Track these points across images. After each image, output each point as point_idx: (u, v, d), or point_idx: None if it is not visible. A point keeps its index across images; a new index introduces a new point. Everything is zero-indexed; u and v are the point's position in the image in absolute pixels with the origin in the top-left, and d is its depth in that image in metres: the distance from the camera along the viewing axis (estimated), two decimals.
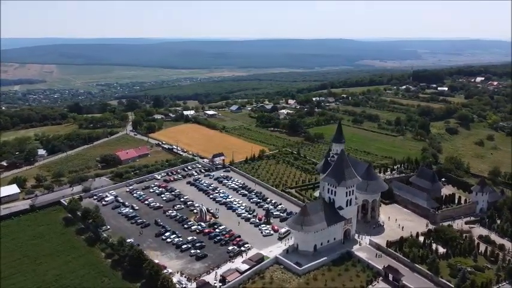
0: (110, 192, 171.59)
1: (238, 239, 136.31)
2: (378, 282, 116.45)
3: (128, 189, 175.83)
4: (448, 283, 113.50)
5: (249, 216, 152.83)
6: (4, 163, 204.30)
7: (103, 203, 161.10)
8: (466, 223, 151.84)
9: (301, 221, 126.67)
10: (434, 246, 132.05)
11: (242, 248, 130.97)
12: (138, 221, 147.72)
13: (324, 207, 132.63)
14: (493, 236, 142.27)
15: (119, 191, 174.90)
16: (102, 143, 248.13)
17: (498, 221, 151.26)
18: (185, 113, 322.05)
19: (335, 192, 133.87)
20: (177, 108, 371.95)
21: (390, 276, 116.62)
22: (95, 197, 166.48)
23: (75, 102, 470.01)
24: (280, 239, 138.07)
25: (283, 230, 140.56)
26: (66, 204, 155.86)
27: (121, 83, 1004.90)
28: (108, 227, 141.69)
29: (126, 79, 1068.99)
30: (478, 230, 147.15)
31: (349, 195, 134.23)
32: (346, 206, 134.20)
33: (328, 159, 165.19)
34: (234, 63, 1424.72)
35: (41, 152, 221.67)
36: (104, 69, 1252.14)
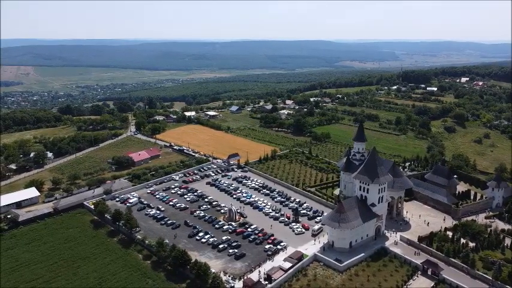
0: (132, 194, 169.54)
1: (272, 238, 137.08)
2: (417, 276, 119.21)
3: (149, 191, 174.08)
4: (485, 275, 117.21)
5: (277, 215, 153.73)
6: (13, 166, 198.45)
7: (127, 204, 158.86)
8: (486, 218, 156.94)
9: (338, 218, 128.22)
10: (462, 240, 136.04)
11: (278, 247, 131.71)
12: (168, 222, 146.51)
13: (358, 204, 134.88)
14: None
15: (140, 192, 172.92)
16: (108, 144, 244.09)
17: None
18: (187, 114, 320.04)
19: (368, 189, 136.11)
20: (176, 109, 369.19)
21: (429, 271, 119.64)
22: (117, 199, 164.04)
23: (66, 104, 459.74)
24: (313, 235, 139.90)
25: (316, 227, 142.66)
26: (90, 206, 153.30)
27: (101, 84, 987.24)
28: (139, 228, 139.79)
29: (106, 81, 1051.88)
30: (498, 224, 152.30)
31: (381, 192, 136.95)
32: (379, 202, 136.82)
33: (350, 157, 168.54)
34: (214, 64, 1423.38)
35: (49, 154, 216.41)
36: (82, 70, 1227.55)
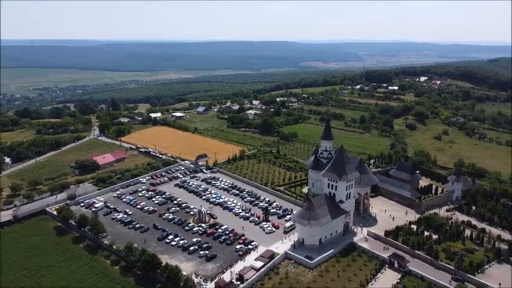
0: (97, 198, 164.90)
1: (243, 238, 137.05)
2: (385, 269, 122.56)
3: (115, 195, 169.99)
4: (448, 266, 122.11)
5: (247, 215, 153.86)
6: None
7: (92, 209, 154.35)
8: (447, 210, 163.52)
9: (307, 216, 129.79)
10: (426, 233, 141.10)
11: (249, 246, 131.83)
12: (136, 226, 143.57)
13: (327, 201, 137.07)
14: (473, 221, 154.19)
15: (106, 196, 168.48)
16: (70, 148, 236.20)
17: (473, 207, 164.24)
18: (152, 115, 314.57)
19: (336, 186, 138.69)
20: (141, 111, 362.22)
21: (396, 263, 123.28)
22: (82, 204, 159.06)
23: (24, 107, 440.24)
24: (285, 232, 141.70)
25: (288, 225, 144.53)
26: (53, 213, 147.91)
27: (61, 86, 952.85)
28: (106, 233, 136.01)
29: (65, 83, 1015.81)
30: (458, 216, 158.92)
31: (349, 189, 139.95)
32: (346, 199, 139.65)
33: (318, 155, 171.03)
34: (179, 65, 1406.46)
35: (6, 159, 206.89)
36: (39, 72, 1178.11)
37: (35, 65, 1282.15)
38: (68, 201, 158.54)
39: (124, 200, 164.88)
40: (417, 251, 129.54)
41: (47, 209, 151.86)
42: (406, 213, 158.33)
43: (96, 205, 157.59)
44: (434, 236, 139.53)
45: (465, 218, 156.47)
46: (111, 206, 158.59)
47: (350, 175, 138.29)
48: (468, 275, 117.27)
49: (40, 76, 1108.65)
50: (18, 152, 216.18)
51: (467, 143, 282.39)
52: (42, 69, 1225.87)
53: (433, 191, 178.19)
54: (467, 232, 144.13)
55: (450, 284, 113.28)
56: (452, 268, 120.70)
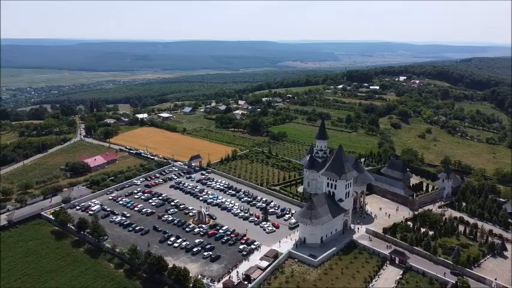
0: (93, 201, 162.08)
1: (245, 238, 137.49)
2: (386, 266, 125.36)
3: (110, 197, 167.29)
4: (446, 260, 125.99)
5: (247, 215, 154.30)
6: None
7: (89, 212, 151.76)
8: (439, 207, 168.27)
9: (309, 215, 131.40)
10: (423, 229, 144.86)
11: (252, 246, 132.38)
12: (136, 228, 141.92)
13: (327, 200, 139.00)
14: (465, 217, 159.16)
15: (101, 199, 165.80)
16: (58, 150, 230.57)
17: (464, 204, 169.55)
18: (139, 116, 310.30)
19: (335, 185, 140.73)
20: (126, 112, 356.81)
21: (396, 260, 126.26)
22: (77, 208, 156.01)
23: (2, 108, 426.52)
24: (291, 228, 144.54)
25: (293, 221, 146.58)
26: (49, 216, 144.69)
27: (35, 87, 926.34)
28: (107, 237, 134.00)
29: (40, 83, 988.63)
30: (452, 213, 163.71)
31: (348, 187, 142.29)
32: (346, 198, 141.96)
33: (313, 155, 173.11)
34: (157, 65, 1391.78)
35: None
36: (11, 72, 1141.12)
37: (7, 65, 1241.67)
38: (63, 204, 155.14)
39: (120, 202, 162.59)
40: (416, 247, 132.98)
41: (42, 212, 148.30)
42: (397, 211, 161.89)
43: (93, 208, 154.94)
44: (430, 232, 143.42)
45: (457, 214, 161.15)
46: (108, 209, 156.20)
47: (349, 174, 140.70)
48: (466, 269, 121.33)
49: (13, 76, 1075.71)
50: (4, 155, 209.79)
51: (450, 141, 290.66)
52: (15, 69, 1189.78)
53: (424, 189, 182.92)
54: (461, 228, 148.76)
55: (445, 276, 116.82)
56: (451, 263, 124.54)
